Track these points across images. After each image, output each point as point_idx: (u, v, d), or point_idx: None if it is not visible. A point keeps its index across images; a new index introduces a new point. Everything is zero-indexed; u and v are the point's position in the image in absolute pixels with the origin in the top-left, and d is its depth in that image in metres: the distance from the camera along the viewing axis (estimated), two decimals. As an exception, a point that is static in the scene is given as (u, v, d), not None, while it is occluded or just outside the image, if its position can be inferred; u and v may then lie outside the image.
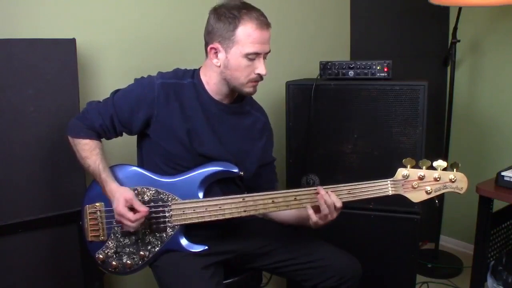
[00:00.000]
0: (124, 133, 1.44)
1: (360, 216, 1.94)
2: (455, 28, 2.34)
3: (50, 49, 1.53)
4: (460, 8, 2.27)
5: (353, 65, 1.94)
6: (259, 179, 1.52)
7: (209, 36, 1.35)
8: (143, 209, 1.31)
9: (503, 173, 1.73)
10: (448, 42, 2.43)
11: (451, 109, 2.46)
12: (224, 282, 1.42)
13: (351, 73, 1.94)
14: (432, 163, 1.29)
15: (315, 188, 1.33)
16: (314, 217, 1.32)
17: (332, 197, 1.31)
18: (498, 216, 1.88)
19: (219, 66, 1.35)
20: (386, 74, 1.91)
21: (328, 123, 1.95)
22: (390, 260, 1.95)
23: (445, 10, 2.60)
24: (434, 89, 2.49)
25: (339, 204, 1.31)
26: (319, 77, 1.98)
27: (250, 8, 1.32)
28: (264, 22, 1.32)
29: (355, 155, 1.93)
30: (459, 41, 2.35)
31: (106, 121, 1.38)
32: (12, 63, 1.47)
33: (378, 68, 1.91)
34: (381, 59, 1.92)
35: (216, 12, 1.34)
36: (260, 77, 1.37)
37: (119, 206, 1.30)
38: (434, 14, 2.59)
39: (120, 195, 1.31)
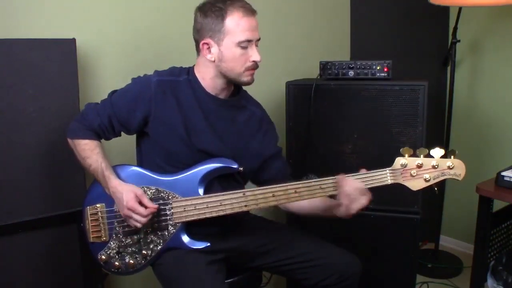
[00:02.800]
0: (122, 133, 1.44)
1: (360, 216, 1.92)
2: (455, 28, 2.34)
3: (50, 49, 1.53)
4: (460, 8, 2.27)
5: (353, 65, 1.94)
6: (269, 173, 1.52)
7: (199, 34, 1.37)
8: (152, 205, 1.32)
9: (503, 173, 1.73)
10: (448, 42, 2.43)
11: (451, 109, 2.46)
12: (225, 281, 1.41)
13: (351, 73, 1.94)
14: (429, 151, 1.29)
15: (314, 180, 1.33)
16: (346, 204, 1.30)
17: (355, 183, 1.29)
18: (498, 216, 1.88)
19: (214, 61, 1.36)
20: (386, 74, 1.90)
21: (328, 123, 1.94)
22: (390, 260, 1.95)
23: (445, 10, 2.61)
24: (434, 89, 2.50)
25: (361, 185, 1.29)
26: (319, 77, 1.98)
27: None
28: (249, 9, 1.34)
29: (355, 155, 1.93)
30: (459, 41, 2.35)
31: (105, 121, 1.39)
32: (12, 63, 1.47)
33: (378, 68, 1.91)
34: (381, 59, 1.92)
35: (202, 9, 1.36)
36: (255, 64, 1.38)
37: (130, 201, 1.29)
38: (434, 14, 2.59)
39: (129, 191, 1.31)
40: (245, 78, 1.39)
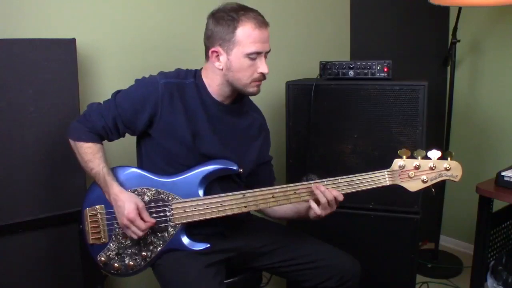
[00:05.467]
0: (126, 134, 1.44)
1: (360, 216, 1.94)
2: (455, 28, 2.34)
3: (50, 49, 1.53)
4: (460, 8, 2.27)
5: (353, 65, 1.94)
6: (257, 178, 1.53)
7: (209, 41, 1.36)
8: (151, 220, 1.32)
9: (503, 173, 1.73)
10: (448, 42, 2.43)
11: (451, 109, 2.46)
12: (224, 281, 1.41)
13: (351, 73, 1.94)
14: (426, 153, 1.31)
15: (314, 182, 1.34)
16: (318, 211, 1.32)
17: (333, 192, 1.31)
18: (498, 216, 1.88)
19: (222, 69, 1.36)
20: (386, 74, 1.90)
21: (328, 123, 1.95)
22: (390, 260, 1.95)
23: (445, 10, 2.61)
24: (434, 89, 2.50)
25: (341, 198, 1.32)
26: (319, 77, 1.98)
27: (247, 9, 1.34)
28: (262, 21, 1.33)
29: (355, 155, 1.93)
30: (459, 41, 2.35)
31: (109, 123, 1.38)
32: (12, 63, 1.46)
33: (378, 68, 1.91)
34: (381, 59, 1.92)
35: (214, 16, 1.35)
36: (263, 76, 1.38)
37: (131, 212, 1.29)
38: (434, 14, 2.59)
39: (131, 201, 1.31)
40: (251, 89, 1.39)
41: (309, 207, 1.36)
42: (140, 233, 1.31)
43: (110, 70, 1.83)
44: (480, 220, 1.80)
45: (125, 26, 1.85)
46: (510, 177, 1.70)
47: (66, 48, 1.55)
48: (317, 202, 1.33)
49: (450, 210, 2.71)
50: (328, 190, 1.32)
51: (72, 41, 1.56)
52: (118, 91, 1.41)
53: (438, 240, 2.62)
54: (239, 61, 1.33)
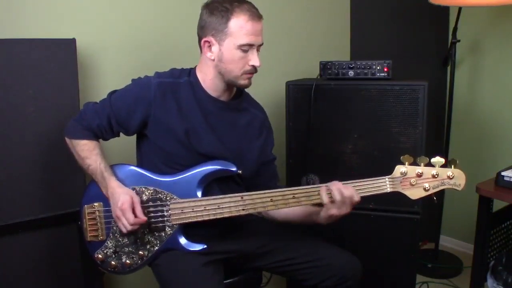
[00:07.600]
0: (122, 134, 1.44)
1: (360, 216, 1.94)
2: (455, 28, 2.34)
3: (50, 49, 1.53)
4: (460, 8, 2.27)
5: (353, 65, 1.94)
6: (259, 178, 1.52)
7: (202, 31, 1.37)
8: (143, 217, 1.31)
9: (503, 173, 1.73)
10: (448, 42, 2.43)
11: (451, 109, 2.46)
12: (224, 282, 1.41)
13: (351, 73, 1.94)
14: (430, 160, 1.28)
15: (314, 186, 1.33)
16: (333, 209, 1.29)
17: (350, 189, 1.28)
18: (498, 216, 1.88)
19: (213, 60, 1.36)
20: (386, 74, 1.90)
21: (328, 123, 1.94)
22: (390, 260, 1.95)
23: (445, 10, 2.61)
24: (434, 89, 2.49)
25: (357, 198, 1.28)
26: (319, 77, 1.98)
27: (241, 1, 1.34)
28: (255, 14, 1.33)
29: (355, 155, 1.93)
30: (459, 41, 2.35)
31: (103, 121, 1.38)
32: (12, 63, 1.47)
33: (378, 68, 1.91)
34: (381, 59, 1.92)
35: (208, 6, 1.36)
36: (254, 69, 1.37)
37: (125, 203, 1.29)
38: (434, 14, 2.59)
39: (127, 194, 1.31)
40: (242, 81, 1.38)
41: (319, 209, 1.33)
42: (129, 227, 1.29)
43: (110, 70, 1.83)
44: (480, 220, 1.80)
45: (125, 26, 1.86)
46: (510, 177, 1.70)
47: (66, 48, 1.55)
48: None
49: (450, 210, 2.71)
50: (345, 187, 1.28)
51: (72, 41, 1.56)
52: (114, 91, 1.43)
53: (438, 240, 2.62)
54: (231, 52, 1.33)
